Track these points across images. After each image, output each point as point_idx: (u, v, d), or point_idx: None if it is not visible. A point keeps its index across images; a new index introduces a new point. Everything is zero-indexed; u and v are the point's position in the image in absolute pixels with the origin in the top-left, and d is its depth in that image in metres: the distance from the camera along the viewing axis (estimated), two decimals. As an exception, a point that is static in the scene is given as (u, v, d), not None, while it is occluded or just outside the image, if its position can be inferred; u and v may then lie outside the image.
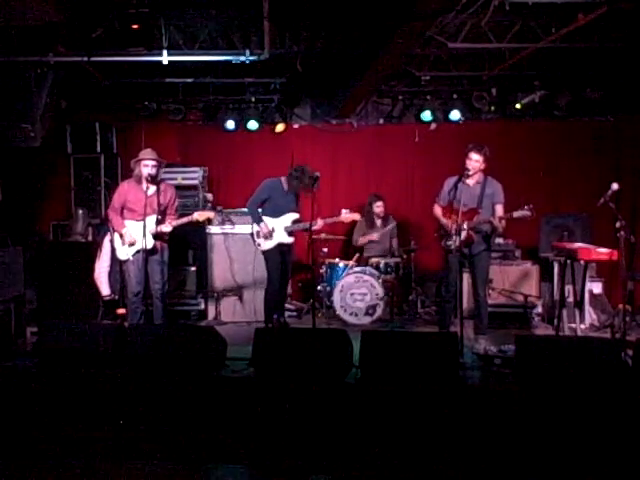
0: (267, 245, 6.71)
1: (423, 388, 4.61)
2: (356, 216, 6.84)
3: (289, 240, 6.73)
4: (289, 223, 6.71)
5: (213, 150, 8.90)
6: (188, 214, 6.31)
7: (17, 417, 4.62)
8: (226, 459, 4.11)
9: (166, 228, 6.10)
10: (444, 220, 6.06)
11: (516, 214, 5.75)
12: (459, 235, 5.73)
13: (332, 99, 8.72)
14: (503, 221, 5.87)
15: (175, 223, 6.15)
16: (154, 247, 6.07)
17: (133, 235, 6.06)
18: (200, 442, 4.27)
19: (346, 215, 6.75)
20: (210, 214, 6.45)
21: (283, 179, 6.77)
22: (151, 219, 6.01)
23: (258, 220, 6.71)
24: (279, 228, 6.69)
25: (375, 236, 8.00)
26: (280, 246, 6.71)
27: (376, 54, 6.26)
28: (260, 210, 6.80)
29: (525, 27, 6.41)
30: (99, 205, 8.14)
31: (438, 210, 6.20)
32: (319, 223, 6.52)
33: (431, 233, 6.60)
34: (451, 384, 4.73)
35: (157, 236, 6.09)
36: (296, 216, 6.73)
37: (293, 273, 7.62)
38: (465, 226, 5.82)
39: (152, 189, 6.04)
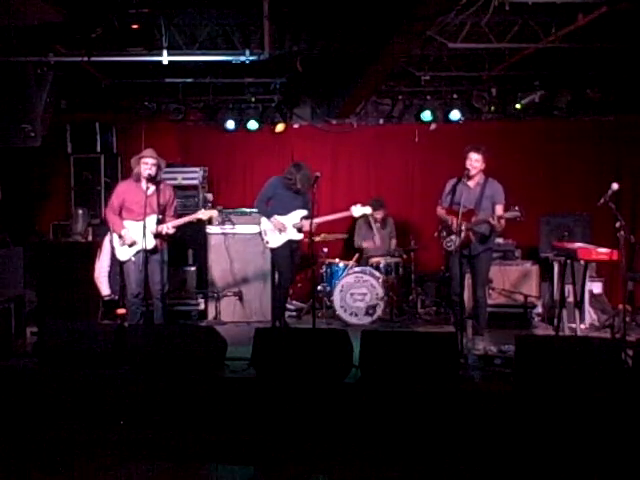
0: (276, 242, 6.72)
1: (423, 388, 4.61)
2: (367, 210, 6.78)
3: (299, 237, 6.72)
4: (298, 220, 6.69)
5: (213, 150, 8.90)
6: (188, 214, 6.34)
7: (17, 417, 4.62)
8: (226, 459, 4.12)
9: (169, 230, 6.07)
10: (447, 217, 6.03)
11: (507, 214, 5.75)
12: (459, 236, 5.73)
13: (332, 99, 8.72)
14: (502, 220, 5.85)
15: (177, 223, 6.12)
16: (155, 246, 6.06)
17: (133, 236, 6.04)
18: (200, 442, 4.27)
19: (356, 209, 6.69)
20: (214, 213, 6.45)
21: None
22: (151, 219, 5.97)
23: (268, 215, 6.73)
24: (288, 225, 6.69)
25: (377, 240, 7.99)
26: (290, 243, 6.72)
27: (376, 54, 6.25)
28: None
29: (525, 27, 6.41)
30: (99, 205, 8.15)
31: (441, 210, 6.19)
32: (305, 225, 6.54)
33: (431, 233, 6.59)
34: (451, 384, 4.73)
35: (158, 235, 6.08)
36: (304, 213, 6.68)
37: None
38: (463, 227, 5.82)
39: (151, 189, 5.96)
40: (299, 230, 6.69)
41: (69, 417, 4.61)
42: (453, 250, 5.86)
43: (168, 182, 6.67)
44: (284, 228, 6.67)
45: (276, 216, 6.70)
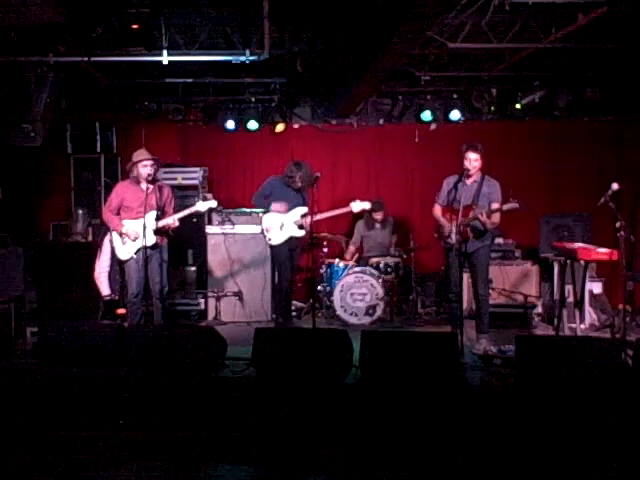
0: (279, 239, 6.75)
1: (423, 388, 4.61)
2: (366, 205, 6.86)
3: (300, 233, 6.77)
4: (298, 217, 6.76)
5: (213, 150, 8.91)
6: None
7: (17, 417, 4.62)
8: (226, 459, 4.11)
9: (175, 223, 6.11)
10: (443, 221, 6.07)
11: (505, 207, 5.75)
12: (459, 233, 5.73)
13: (332, 99, 8.72)
14: (496, 215, 5.84)
15: (179, 215, 6.16)
16: (156, 243, 6.07)
17: (136, 229, 6.03)
18: (200, 442, 4.27)
19: (355, 205, 6.77)
20: (212, 204, 6.44)
21: None
22: (151, 215, 6.02)
23: (268, 206, 6.80)
24: (289, 222, 6.75)
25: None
26: (290, 240, 6.77)
27: (376, 54, 6.25)
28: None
29: (525, 27, 6.41)
30: (99, 205, 8.12)
31: (438, 211, 6.21)
32: (307, 222, 6.61)
33: (431, 233, 6.60)
34: (451, 384, 4.73)
35: (158, 232, 6.09)
36: (304, 210, 6.77)
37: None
38: (460, 223, 5.82)
39: (150, 188, 6.06)
40: (300, 227, 6.75)
41: (69, 417, 4.61)
42: (454, 247, 5.85)
43: (168, 182, 6.73)
44: (285, 210, 6.72)
45: (276, 215, 6.74)
